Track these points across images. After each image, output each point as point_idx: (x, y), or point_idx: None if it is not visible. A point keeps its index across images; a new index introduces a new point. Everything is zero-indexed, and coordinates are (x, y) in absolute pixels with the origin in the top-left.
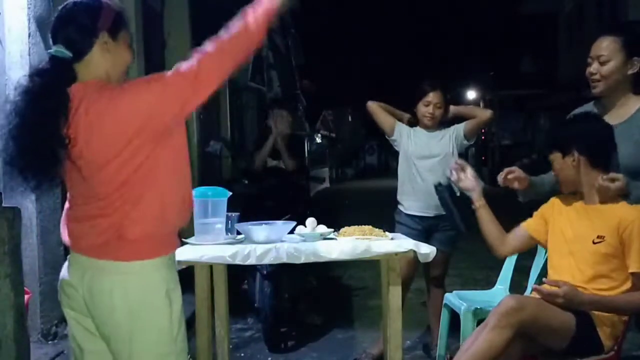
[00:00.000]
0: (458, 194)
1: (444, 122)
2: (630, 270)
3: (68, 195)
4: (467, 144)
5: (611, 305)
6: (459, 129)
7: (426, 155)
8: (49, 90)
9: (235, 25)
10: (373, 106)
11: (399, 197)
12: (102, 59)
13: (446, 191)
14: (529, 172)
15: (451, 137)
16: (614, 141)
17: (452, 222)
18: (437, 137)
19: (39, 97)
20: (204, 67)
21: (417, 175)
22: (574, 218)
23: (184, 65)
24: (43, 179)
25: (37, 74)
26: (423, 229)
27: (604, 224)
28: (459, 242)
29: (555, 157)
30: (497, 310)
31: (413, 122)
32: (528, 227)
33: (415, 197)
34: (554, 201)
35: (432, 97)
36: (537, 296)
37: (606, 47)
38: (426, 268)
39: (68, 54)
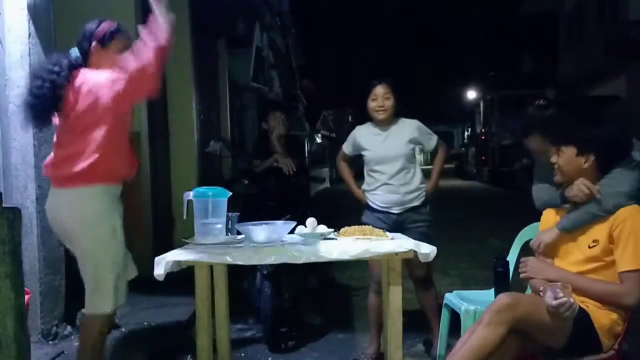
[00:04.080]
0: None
1: (397, 114)
2: (620, 270)
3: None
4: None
5: (576, 282)
6: (425, 141)
7: (382, 159)
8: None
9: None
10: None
11: (363, 189)
12: (98, 59)
13: (503, 268)
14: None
15: (412, 140)
16: (630, 151)
17: (497, 295)
18: (392, 137)
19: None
20: (125, 85)
21: (378, 176)
22: None
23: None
24: (45, 121)
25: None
26: (390, 226)
27: (598, 226)
28: (459, 243)
29: (567, 151)
30: (491, 307)
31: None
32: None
33: (377, 196)
34: (549, 213)
35: (379, 90)
36: (533, 294)
37: None
38: (410, 271)
39: (77, 53)
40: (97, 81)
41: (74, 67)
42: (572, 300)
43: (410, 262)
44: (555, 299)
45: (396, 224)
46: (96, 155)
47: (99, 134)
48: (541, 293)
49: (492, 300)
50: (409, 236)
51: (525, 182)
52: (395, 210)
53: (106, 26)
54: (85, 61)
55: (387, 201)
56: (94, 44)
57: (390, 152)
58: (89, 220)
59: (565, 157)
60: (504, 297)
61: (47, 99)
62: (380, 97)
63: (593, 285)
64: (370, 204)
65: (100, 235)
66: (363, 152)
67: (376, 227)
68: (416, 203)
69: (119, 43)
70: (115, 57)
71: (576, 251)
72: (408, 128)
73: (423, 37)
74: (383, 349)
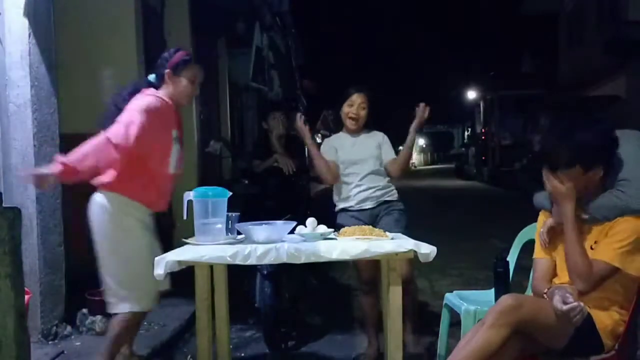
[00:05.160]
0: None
1: (368, 125)
2: (593, 256)
3: None
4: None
5: (571, 239)
6: (386, 153)
7: (353, 161)
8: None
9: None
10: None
11: (335, 201)
12: (170, 84)
13: (503, 268)
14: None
15: (379, 146)
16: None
17: (497, 296)
18: (362, 142)
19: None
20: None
21: (349, 179)
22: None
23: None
24: None
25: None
26: (366, 223)
27: (598, 228)
28: (459, 243)
29: (572, 172)
30: (495, 308)
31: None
32: (540, 254)
33: (350, 199)
34: (545, 215)
35: (356, 98)
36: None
37: None
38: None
39: (153, 77)
40: (130, 106)
41: (138, 89)
42: (582, 304)
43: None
44: (565, 303)
45: (371, 217)
46: (110, 170)
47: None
48: (545, 296)
49: (492, 300)
50: (381, 223)
51: (525, 182)
52: (369, 205)
53: (180, 55)
54: (160, 84)
55: (360, 199)
56: (167, 70)
57: (360, 154)
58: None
59: (572, 178)
60: (508, 299)
61: (112, 113)
62: (356, 106)
63: (577, 252)
64: (347, 207)
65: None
66: (336, 153)
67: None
68: (388, 198)
69: (189, 72)
70: (184, 83)
71: None
72: (377, 136)
73: (423, 37)
74: (383, 349)
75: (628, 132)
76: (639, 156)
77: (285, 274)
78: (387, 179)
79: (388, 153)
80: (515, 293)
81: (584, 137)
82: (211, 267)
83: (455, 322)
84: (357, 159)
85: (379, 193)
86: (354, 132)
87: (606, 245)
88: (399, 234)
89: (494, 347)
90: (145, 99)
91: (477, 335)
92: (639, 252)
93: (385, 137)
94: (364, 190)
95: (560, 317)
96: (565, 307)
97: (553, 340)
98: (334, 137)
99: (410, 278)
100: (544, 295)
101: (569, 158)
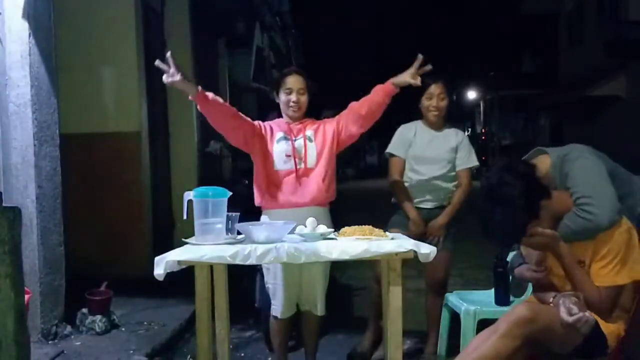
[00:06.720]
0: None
1: (449, 118)
2: (596, 283)
3: None
4: None
5: (575, 274)
6: (461, 160)
7: (425, 159)
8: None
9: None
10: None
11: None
12: None
13: (503, 268)
14: None
15: (455, 149)
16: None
17: (497, 296)
18: (440, 140)
19: None
20: None
21: (414, 175)
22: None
23: None
24: None
25: None
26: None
27: (582, 246)
28: (460, 243)
29: (534, 225)
30: (510, 319)
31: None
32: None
33: (411, 193)
34: None
35: (434, 89)
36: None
37: None
38: (428, 272)
39: None
40: None
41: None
42: (587, 314)
43: (429, 265)
44: (570, 314)
45: (428, 219)
46: None
47: None
48: (551, 304)
49: (492, 301)
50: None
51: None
52: (427, 205)
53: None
54: None
55: (419, 196)
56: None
57: (434, 154)
58: None
59: (538, 227)
60: (523, 310)
61: None
62: (435, 97)
63: (590, 289)
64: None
65: None
66: (408, 149)
67: (404, 230)
68: (447, 202)
69: (282, 85)
70: (281, 95)
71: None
72: (457, 136)
73: (423, 37)
74: (382, 335)
75: (577, 147)
76: (594, 170)
77: None
78: (454, 183)
79: (463, 160)
80: (530, 302)
81: (512, 204)
82: (211, 267)
83: (455, 322)
84: (430, 157)
85: (441, 195)
86: (435, 126)
87: (600, 270)
88: (399, 234)
89: (503, 357)
90: None
91: (487, 342)
92: (632, 257)
93: (465, 140)
94: (426, 191)
95: (567, 328)
96: (571, 319)
97: (561, 347)
98: (410, 126)
99: (445, 282)
100: (550, 303)
101: (520, 229)
